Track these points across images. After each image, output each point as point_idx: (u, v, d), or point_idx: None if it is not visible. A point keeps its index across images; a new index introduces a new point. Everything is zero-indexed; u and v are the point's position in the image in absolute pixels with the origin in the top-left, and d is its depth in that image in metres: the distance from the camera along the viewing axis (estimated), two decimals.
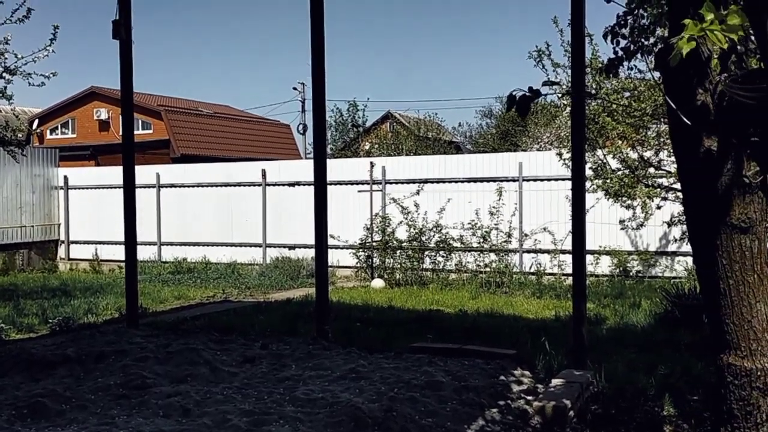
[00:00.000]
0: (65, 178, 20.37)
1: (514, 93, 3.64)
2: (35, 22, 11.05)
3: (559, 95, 12.42)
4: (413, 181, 16.30)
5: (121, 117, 10.28)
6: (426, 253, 15.47)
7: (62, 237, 20.34)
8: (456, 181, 15.97)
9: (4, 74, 10.99)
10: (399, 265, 15.44)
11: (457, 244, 15.32)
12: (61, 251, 20.35)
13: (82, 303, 12.58)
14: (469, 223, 15.26)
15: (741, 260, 3.27)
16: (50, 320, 10.61)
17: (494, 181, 15.49)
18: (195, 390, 6.46)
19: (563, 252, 14.36)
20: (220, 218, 18.61)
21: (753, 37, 2.94)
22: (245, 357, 7.77)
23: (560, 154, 12.74)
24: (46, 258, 19.81)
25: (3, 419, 5.82)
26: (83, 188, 20.26)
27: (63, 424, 5.66)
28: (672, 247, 14.00)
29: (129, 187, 10.00)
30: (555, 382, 6.52)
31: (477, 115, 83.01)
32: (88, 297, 13.42)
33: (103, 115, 33.66)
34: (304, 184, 17.21)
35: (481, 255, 15.04)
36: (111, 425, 5.54)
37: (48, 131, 35.48)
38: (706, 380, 6.37)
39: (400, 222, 15.81)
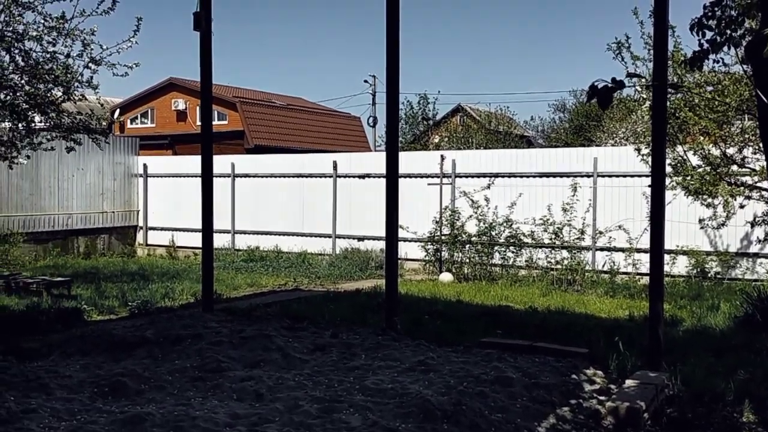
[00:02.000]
0: (144, 166, 21.06)
1: (596, 84, 3.56)
2: (120, 14, 11.38)
3: (638, 89, 12.09)
4: (483, 175, 16.16)
5: (199, 108, 10.56)
6: (495, 248, 15.33)
7: (141, 223, 21.05)
8: (527, 176, 15.75)
9: (90, 64, 11.35)
10: (468, 260, 15.36)
11: (528, 240, 15.12)
12: (140, 237, 21.07)
13: (159, 287, 13.01)
14: (541, 219, 15.04)
15: None
16: (129, 303, 11.03)
17: (567, 176, 15.21)
18: (267, 375, 6.60)
19: (638, 251, 13.98)
20: (292, 208, 18.90)
21: None
22: (316, 345, 7.89)
23: (638, 150, 12.41)
24: (125, 243, 20.56)
25: (85, 396, 6.08)
26: (161, 176, 20.91)
27: (141, 403, 5.87)
28: (754, 249, 13.46)
29: (206, 176, 10.26)
30: (629, 382, 6.38)
31: (550, 109, 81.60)
32: (165, 282, 13.87)
33: (181, 106, 34.63)
34: (374, 176, 17.30)
35: (553, 251, 14.80)
36: (187, 406, 5.71)
37: (128, 120, 36.73)
38: None
39: (470, 216, 15.71)
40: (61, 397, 6.02)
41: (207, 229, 10.31)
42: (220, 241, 18.93)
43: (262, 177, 19.50)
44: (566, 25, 77.80)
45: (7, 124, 11.39)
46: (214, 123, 31.48)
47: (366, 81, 44.53)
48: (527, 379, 6.52)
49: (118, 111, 35.93)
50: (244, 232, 19.52)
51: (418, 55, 74.77)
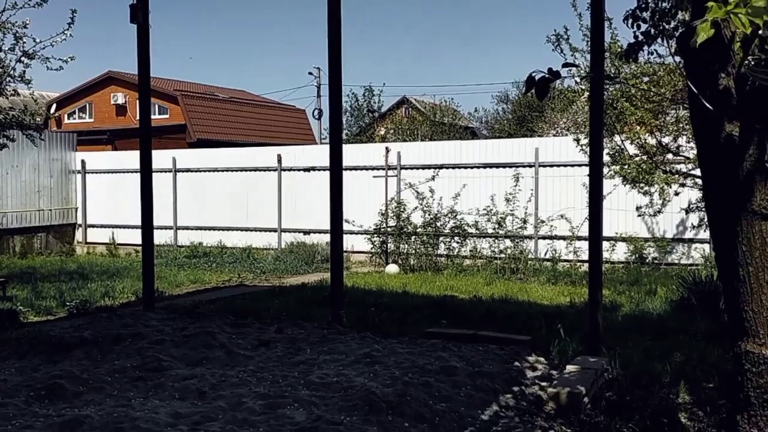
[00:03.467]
0: (83, 162, 20.51)
1: (533, 74, 3.58)
2: (54, 6, 11.07)
3: (577, 80, 12.30)
4: (428, 167, 16.25)
5: (138, 101, 10.30)
6: (441, 238, 15.46)
7: (79, 221, 20.50)
8: (471, 167, 15.90)
9: (22, 58, 11.02)
10: (413, 251, 15.44)
11: (472, 230, 15.28)
12: (79, 235, 20.52)
13: (99, 286, 12.69)
14: (485, 209, 15.21)
15: (761, 247, 3.23)
16: (68, 303, 10.73)
17: (510, 167, 15.41)
18: (210, 373, 6.51)
19: (579, 238, 14.28)
20: (236, 203, 18.67)
21: None
22: (260, 341, 7.81)
23: (577, 140, 12.64)
24: (63, 242, 19.99)
25: (21, 400, 5.89)
26: (100, 172, 20.39)
27: (80, 406, 5.72)
28: (689, 234, 13.89)
29: (146, 171, 10.04)
30: (570, 368, 6.50)
31: (493, 100, 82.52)
32: (105, 280, 13.54)
33: (120, 100, 33.79)
34: (319, 170, 17.21)
35: (496, 241, 15.00)
36: (127, 407, 5.58)
37: (65, 115, 35.68)
38: (723, 368, 6.33)
39: (415, 208, 15.79)
40: None
41: (147, 226, 10.09)
42: (162, 237, 18.61)
43: (204, 171, 19.20)
44: (509, 17, 78.77)
45: None
46: (155, 117, 30.93)
47: (311, 73, 44.40)
48: (471, 367, 6.58)
49: (54, 106, 34.83)
50: (187, 228, 19.20)
51: (363, 48, 74.71)
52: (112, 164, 20.38)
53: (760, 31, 3.24)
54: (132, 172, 18.89)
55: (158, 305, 10.11)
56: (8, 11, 10.68)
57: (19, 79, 11.29)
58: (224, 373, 6.54)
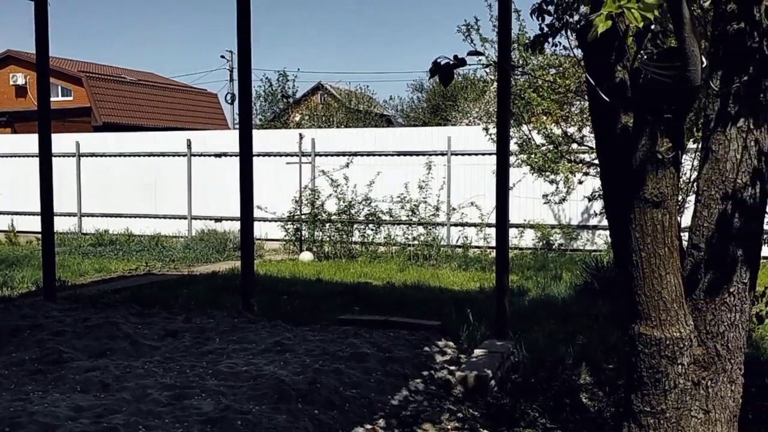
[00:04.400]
0: None
1: (438, 60, 3.62)
2: None
3: (488, 70, 12.55)
4: (343, 154, 16.23)
5: (37, 82, 9.81)
6: (355, 226, 15.50)
7: None
8: (386, 155, 15.98)
9: None
10: (328, 238, 15.41)
11: (386, 218, 15.39)
12: None
13: None
14: (398, 197, 15.34)
15: (653, 233, 3.38)
16: None
17: (424, 155, 15.58)
18: (114, 365, 6.30)
19: (489, 225, 14.61)
20: (144, 189, 18.12)
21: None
22: (167, 331, 7.62)
23: (486, 129, 12.92)
24: None
25: None
26: None
27: None
28: (593, 221, 14.43)
29: (45, 155, 9.60)
30: (477, 352, 6.66)
31: (408, 88, 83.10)
32: (3, 269, 12.87)
33: (20, 81, 32.15)
34: (231, 155, 16.91)
35: (410, 228, 15.16)
36: (25, 401, 5.34)
37: None
38: (620, 349, 6.63)
39: (330, 195, 15.75)
40: None
41: (47, 212, 9.66)
42: (65, 224, 17.88)
43: (110, 156, 18.53)
44: (423, 5, 79.37)
45: None
46: (58, 99, 29.62)
47: (223, 57, 43.39)
48: (382, 353, 6.64)
49: None
50: (92, 215, 18.51)
51: (277, 32, 73.65)
52: (12, 148, 19.38)
53: (652, 26, 3.39)
54: (33, 156, 17.93)
55: (60, 295, 9.70)
56: None
57: None
58: (129, 364, 6.35)
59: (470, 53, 4.04)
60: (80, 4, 70.95)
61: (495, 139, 11.60)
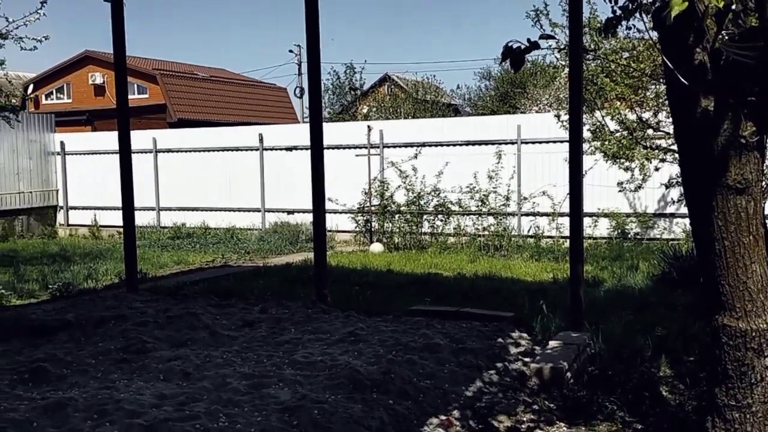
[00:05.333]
0: (62, 143, 20.28)
1: (509, 44, 3.57)
2: None
3: (558, 56, 12.30)
4: (411, 145, 16.23)
5: (115, 81, 10.17)
6: (424, 217, 15.49)
7: (61, 203, 20.33)
8: (454, 145, 15.90)
9: None
10: (397, 229, 15.46)
11: (456, 208, 15.33)
12: (60, 217, 20.35)
13: (81, 268, 12.62)
14: (467, 187, 15.24)
15: (736, 221, 3.26)
16: (50, 286, 10.67)
17: (492, 144, 15.43)
18: (195, 354, 6.51)
19: (561, 215, 14.36)
20: (218, 183, 18.58)
21: None
22: (244, 321, 7.82)
23: (558, 116, 12.68)
24: (45, 224, 19.82)
25: (5, 383, 5.87)
26: (80, 154, 20.19)
27: (64, 388, 5.70)
28: (670, 209, 14.00)
29: (125, 152, 9.95)
30: (552, 344, 6.57)
31: (476, 77, 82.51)
32: (87, 262, 13.45)
33: (99, 80, 33.37)
34: (301, 149, 17.14)
35: (480, 218, 15.05)
36: (112, 389, 5.58)
37: (43, 96, 35.21)
38: (702, 341, 6.42)
39: (399, 186, 15.79)
40: None
41: (128, 207, 10.03)
42: (145, 218, 18.51)
43: (186, 152, 19.06)
44: None
45: None
46: (134, 97, 30.60)
47: (291, 51, 44.06)
48: (455, 344, 6.63)
49: (31, 86, 34.37)
50: (170, 209, 19.09)
51: (344, 25, 74.11)
52: (92, 145, 20.17)
53: (733, 5, 3.25)
54: (112, 153, 18.67)
55: (142, 287, 10.07)
56: None
57: None
58: (208, 354, 6.54)
59: (542, 36, 3.98)
60: (154, 2, 73.06)
61: (567, 126, 11.41)
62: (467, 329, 7.30)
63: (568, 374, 6.01)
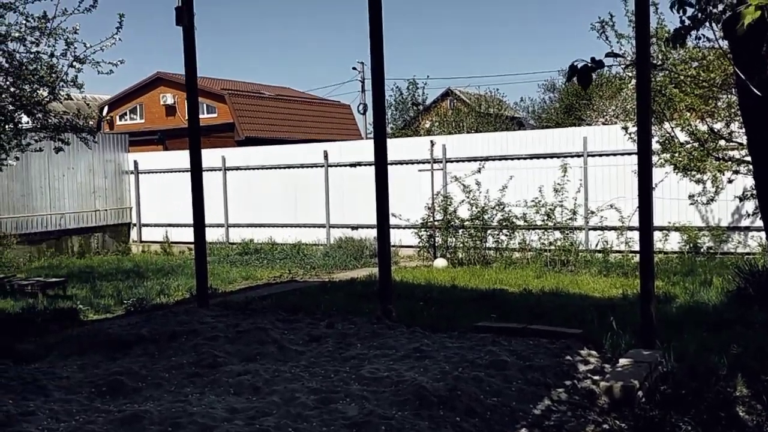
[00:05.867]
0: (135, 162, 21.01)
1: (575, 63, 3.58)
2: (102, 11, 11.31)
3: (623, 66, 12.10)
4: (474, 159, 16.18)
5: (186, 102, 10.50)
6: (489, 231, 15.38)
7: (134, 220, 21.03)
8: (518, 158, 15.78)
9: (74, 63, 11.30)
10: (461, 245, 15.40)
11: (521, 222, 15.17)
12: (134, 234, 21.05)
13: (154, 284, 13.01)
14: (533, 201, 15.08)
15: None
16: (125, 301, 11.05)
17: (558, 157, 15.24)
18: (264, 368, 6.63)
19: (630, 229, 14.04)
20: (285, 200, 18.90)
21: None
22: (311, 336, 7.92)
23: (626, 128, 12.44)
24: (119, 241, 20.54)
25: (83, 396, 6.10)
26: (153, 172, 20.87)
27: (140, 401, 5.90)
28: (745, 222, 13.54)
29: (195, 171, 10.25)
30: (623, 362, 6.43)
31: (539, 89, 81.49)
32: (160, 278, 13.87)
33: (170, 100, 34.46)
34: (365, 165, 17.30)
35: (546, 233, 14.86)
36: (185, 402, 5.74)
37: (117, 117, 36.57)
38: None
39: (462, 201, 15.74)
40: (59, 398, 6.03)
41: (199, 224, 10.31)
42: (214, 235, 18.97)
43: (253, 169, 19.48)
44: (553, 3, 77.63)
45: None
46: (203, 116, 31.43)
47: (354, 68, 44.43)
48: (522, 361, 6.56)
49: (106, 108, 35.79)
50: (238, 225, 19.52)
51: (406, 40, 74.57)
52: (164, 164, 20.83)
53: None
54: (183, 171, 19.30)
55: (212, 302, 10.32)
56: (59, 17, 10.97)
57: (72, 83, 11.57)
58: (277, 368, 6.66)
59: (608, 54, 3.95)
60: (219, 23, 75.13)
61: (635, 138, 11.21)
62: (534, 346, 7.21)
63: (640, 393, 5.87)
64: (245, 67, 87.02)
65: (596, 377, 6.35)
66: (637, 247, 7.62)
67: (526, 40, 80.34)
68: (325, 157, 18.34)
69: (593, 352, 7.10)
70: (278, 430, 4.97)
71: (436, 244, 15.79)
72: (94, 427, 5.18)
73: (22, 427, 5.22)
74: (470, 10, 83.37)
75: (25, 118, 11.83)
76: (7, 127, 11.23)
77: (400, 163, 16.74)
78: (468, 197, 15.66)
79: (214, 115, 33.08)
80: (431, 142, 16.87)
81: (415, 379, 5.94)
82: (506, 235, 15.31)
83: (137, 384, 6.35)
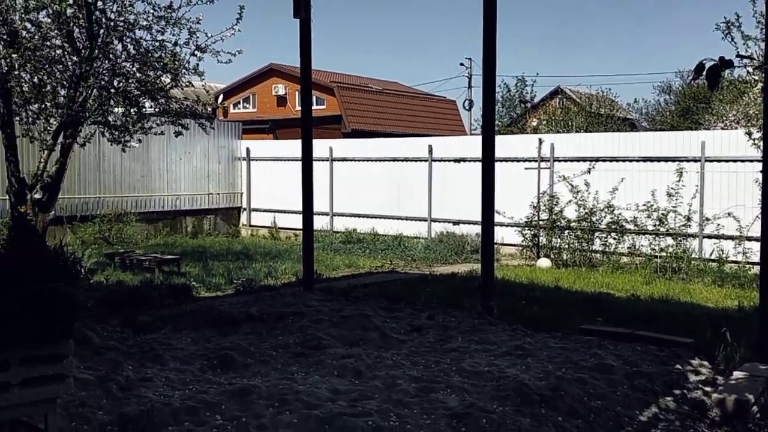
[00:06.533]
0: (247, 150, 21.77)
1: (703, 62, 3.45)
2: (222, 2, 11.75)
3: (749, 70, 11.51)
4: (583, 159, 15.78)
5: (299, 93, 10.80)
6: (596, 234, 14.99)
7: (244, 205, 21.81)
8: (630, 160, 15.28)
9: (196, 52, 11.77)
10: (567, 246, 15.09)
11: (631, 226, 14.70)
12: (243, 218, 21.83)
13: (262, 266, 13.48)
14: (644, 205, 14.57)
15: None
16: (234, 281, 11.51)
17: (672, 161, 14.65)
18: (366, 353, 6.76)
19: (749, 239, 13.32)
20: (388, 192, 19.09)
21: None
22: (413, 326, 8.00)
23: (749, 134, 11.83)
24: (229, 224, 21.36)
25: (196, 367, 6.42)
26: (263, 160, 21.55)
27: (248, 376, 6.15)
28: None
29: (307, 161, 10.52)
30: (737, 374, 6.15)
31: (654, 90, 78.44)
32: (267, 261, 14.34)
33: (281, 91, 35.44)
34: (469, 161, 17.22)
35: (657, 238, 14.33)
36: (291, 380, 5.94)
37: (231, 105, 37.95)
38: None
39: (569, 201, 15.41)
40: (174, 367, 6.38)
41: (307, 212, 10.59)
42: (319, 223, 19.36)
43: (359, 161, 19.77)
44: (670, 3, 74.44)
45: (120, 110, 12.01)
46: (313, 108, 32.12)
47: (462, 64, 44.32)
48: (628, 367, 6.39)
49: (221, 96, 37.16)
50: (342, 215, 19.88)
51: (516, 37, 73.49)
52: (274, 152, 21.47)
53: None
54: (292, 160, 19.85)
55: (316, 287, 10.59)
56: (183, 8, 11.47)
57: (193, 71, 12.07)
58: (379, 354, 6.77)
59: (739, 56, 3.81)
60: (328, 17, 76.48)
61: (759, 144, 10.65)
62: (641, 353, 7.00)
63: (755, 408, 5.60)
64: (353, 60, 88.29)
65: (707, 388, 6.10)
66: (755, 258, 7.27)
67: (641, 39, 77.47)
68: (430, 151, 18.38)
69: (705, 363, 6.81)
70: (380, 414, 5.06)
71: (540, 244, 15.53)
72: (206, 396, 5.45)
73: (140, 391, 5.56)
74: (583, 8, 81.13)
75: (148, 103, 12.46)
76: (132, 110, 11.88)
77: (506, 160, 16.53)
78: (576, 198, 15.31)
79: (323, 107, 33.76)
80: (539, 140, 16.59)
81: (517, 376, 5.91)
82: (615, 239, 14.86)
83: (246, 360, 6.62)
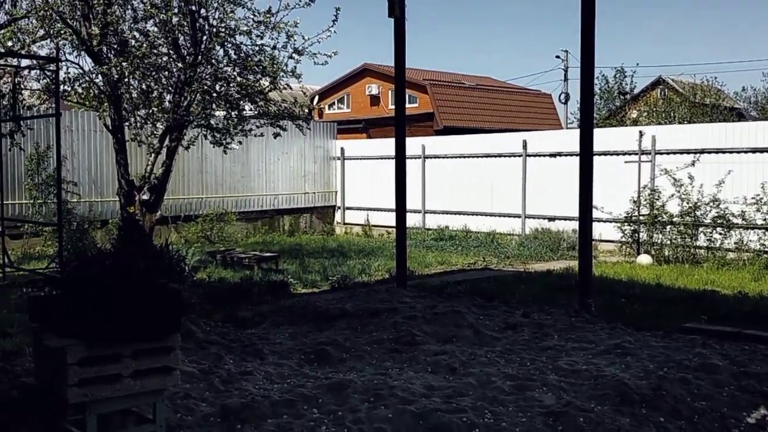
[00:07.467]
0: (342, 149, 22.12)
1: None
2: (318, 5, 11.97)
3: None
4: (687, 152, 15.14)
5: (392, 92, 10.90)
6: (700, 229, 14.35)
7: (338, 203, 22.17)
8: (738, 152, 14.54)
9: (293, 55, 12.07)
10: (668, 241, 14.52)
11: (738, 221, 13.99)
12: (338, 216, 22.21)
13: (356, 263, 13.67)
14: (753, 198, 13.84)
15: None
16: (330, 278, 11.74)
17: None
18: (460, 350, 6.76)
19: None
20: (480, 188, 18.94)
21: None
22: (507, 323, 7.93)
23: None
24: (324, 222, 21.78)
25: (294, 362, 6.61)
26: (357, 159, 21.85)
27: (344, 371, 6.27)
28: None
29: (400, 159, 10.60)
30: None
31: (764, 78, 74.43)
32: (361, 258, 14.54)
33: (374, 91, 35.77)
34: (565, 155, 16.86)
35: (767, 233, 13.59)
36: (385, 376, 6.01)
37: (326, 106, 38.62)
38: None
39: (671, 195, 14.81)
40: (273, 362, 6.58)
41: (400, 209, 10.67)
42: (411, 220, 19.44)
43: (451, 158, 19.72)
44: None
45: (221, 113, 12.47)
46: (406, 106, 32.30)
47: (558, 56, 43.36)
48: (735, 367, 6.11)
49: (316, 98, 37.91)
50: (434, 212, 19.88)
51: (614, 26, 71.20)
52: (367, 151, 21.72)
53: None
54: (385, 158, 20.03)
55: (409, 283, 10.66)
56: (282, 12, 11.77)
57: (291, 74, 12.37)
58: (473, 351, 6.76)
59: None
60: (420, 14, 76.39)
61: None
62: (750, 352, 6.68)
63: None
64: (446, 56, 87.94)
65: None
66: None
67: (750, 25, 73.45)
68: (524, 146, 18.10)
69: None
70: (474, 411, 5.05)
71: (640, 240, 15.02)
72: (303, 390, 5.60)
73: (241, 384, 5.78)
74: None
75: (248, 106, 12.87)
76: (233, 113, 12.31)
77: (604, 153, 16.07)
78: (678, 192, 14.69)
79: (415, 105, 33.83)
80: (640, 132, 16.04)
81: (616, 375, 5.76)
82: (720, 234, 14.18)
83: (341, 355, 6.75)
